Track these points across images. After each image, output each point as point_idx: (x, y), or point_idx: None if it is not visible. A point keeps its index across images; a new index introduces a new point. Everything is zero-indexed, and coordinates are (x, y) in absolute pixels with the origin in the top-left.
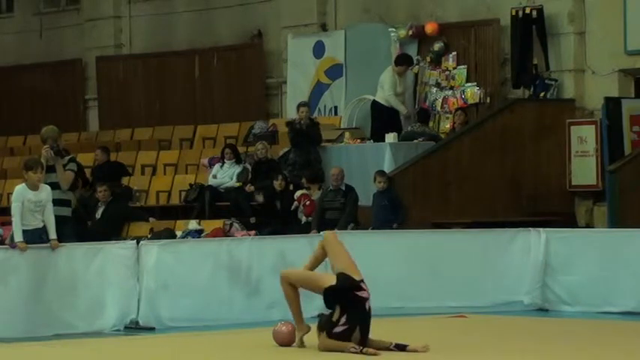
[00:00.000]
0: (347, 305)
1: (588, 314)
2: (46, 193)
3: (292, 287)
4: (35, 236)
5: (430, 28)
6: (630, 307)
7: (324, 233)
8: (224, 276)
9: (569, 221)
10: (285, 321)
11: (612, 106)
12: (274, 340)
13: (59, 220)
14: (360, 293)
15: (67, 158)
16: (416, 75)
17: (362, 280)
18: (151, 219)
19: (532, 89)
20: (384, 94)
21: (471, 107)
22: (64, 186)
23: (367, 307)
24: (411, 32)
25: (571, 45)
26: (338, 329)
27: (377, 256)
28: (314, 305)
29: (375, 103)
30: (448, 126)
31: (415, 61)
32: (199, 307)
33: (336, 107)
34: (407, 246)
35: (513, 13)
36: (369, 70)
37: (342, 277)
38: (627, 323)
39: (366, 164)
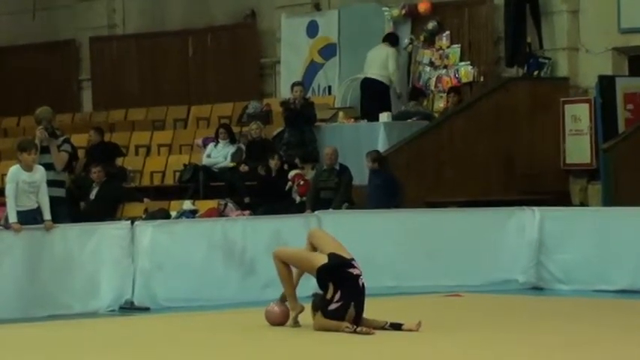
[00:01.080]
0: (340, 282)
1: (583, 292)
2: (40, 174)
3: (286, 265)
4: (29, 217)
5: (423, 7)
6: (624, 285)
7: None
8: (219, 256)
9: (563, 200)
10: (278, 301)
11: (606, 84)
12: (267, 320)
13: (53, 200)
14: (351, 270)
15: (62, 139)
16: (410, 54)
17: (352, 259)
18: (145, 199)
19: (526, 68)
20: (388, 73)
21: (464, 86)
22: (59, 167)
23: (361, 283)
24: (404, 11)
25: (564, 23)
26: (333, 306)
27: (372, 236)
28: (308, 285)
29: (366, 81)
30: (442, 105)
31: (409, 40)
32: (194, 287)
33: (330, 87)
34: (402, 225)
35: None
36: (363, 50)
37: (333, 256)
38: (622, 301)
39: (360, 144)
